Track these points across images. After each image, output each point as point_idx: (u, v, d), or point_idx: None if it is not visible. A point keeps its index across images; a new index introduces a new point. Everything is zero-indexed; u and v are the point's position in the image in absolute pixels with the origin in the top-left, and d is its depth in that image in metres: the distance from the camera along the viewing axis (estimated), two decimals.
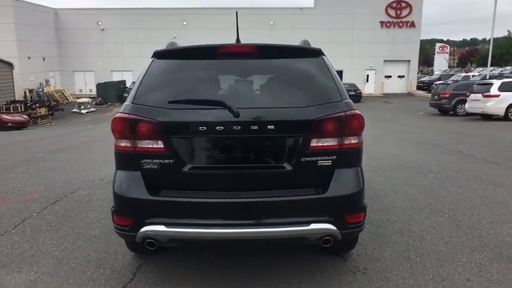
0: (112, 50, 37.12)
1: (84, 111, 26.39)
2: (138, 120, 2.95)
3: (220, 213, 2.92)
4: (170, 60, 3.27)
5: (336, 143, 3.01)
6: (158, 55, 3.28)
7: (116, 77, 36.16)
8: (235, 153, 3.00)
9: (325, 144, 3.00)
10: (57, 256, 3.92)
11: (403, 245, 4.13)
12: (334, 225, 2.95)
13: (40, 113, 22.72)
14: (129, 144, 3.00)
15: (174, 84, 3.13)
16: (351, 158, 3.10)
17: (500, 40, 63.46)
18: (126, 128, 2.97)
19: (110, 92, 31.23)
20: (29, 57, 32.53)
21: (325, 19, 37.02)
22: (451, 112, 20.54)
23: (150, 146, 2.97)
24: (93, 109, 27.73)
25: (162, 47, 3.49)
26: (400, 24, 37.92)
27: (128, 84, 32.56)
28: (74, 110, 26.87)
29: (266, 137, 2.97)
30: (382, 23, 37.90)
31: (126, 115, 2.98)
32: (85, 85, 38.26)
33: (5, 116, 20.11)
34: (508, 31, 67.85)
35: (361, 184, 3.08)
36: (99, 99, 30.93)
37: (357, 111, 3.07)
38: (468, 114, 18.93)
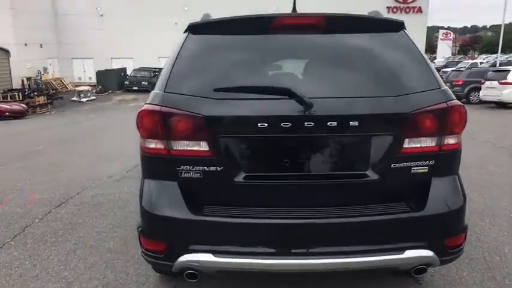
0: (111, 37, 36.03)
1: (84, 100, 25.53)
2: (175, 114, 2.23)
3: (286, 239, 2.21)
4: (210, 36, 2.53)
5: (434, 144, 2.30)
6: (194, 29, 2.53)
7: (116, 65, 35.10)
8: (304, 157, 2.28)
9: (421, 145, 2.29)
10: (66, 278, 3.22)
11: (481, 261, 3.44)
12: (432, 251, 2.27)
13: (39, 101, 21.86)
14: (161, 146, 2.28)
15: (218, 67, 2.39)
16: (450, 163, 2.40)
17: (506, 27, 62.62)
18: (157, 124, 2.25)
19: (110, 80, 30.26)
20: (25, 44, 31.48)
21: (329, 2, 36.00)
22: (464, 100, 19.77)
23: (191, 149, 2.25)
24: (94, 97, 26.86)
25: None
26: (407, 10, 36.85)
27: (128, 72, 31.59)
28: (73, 99, 26.00)
29: (346, 136, 2.25)
30: (388, 8, 36.80)
31: (158, 107, 2.25)
32: (84, 73, 37.25)
33: (2, 105, 19.27)
34: None
35: (463, 197, 2.38)
36: (99, 87, 29.99)
37: (459, 102, 2.35)
38: (482, 102, 18.17)
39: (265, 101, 2.21)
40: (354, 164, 2.31)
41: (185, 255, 2.21)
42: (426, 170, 2.32)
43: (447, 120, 2.29)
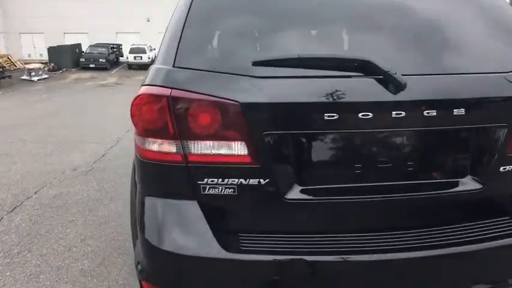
0: (64, 9, 33.38)
1: (35, 79, 23.45)
2: (193, 100, 1.45)
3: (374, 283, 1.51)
4: None
5: None
6: None
7: (69, 41, 32.60)
8: (387, 162, 1.56)
9: None
10: None
11: None
12: None
13: None
14: (173, 149, 1.50)
15: (257, 28, 1.62)
16: None
17: None
18: (166, 115, 1.47)
19: (64, 57, 27.96)
20: None
21: None
22: None
23: (220, 153, 1.49)
24: (46, 76, 24.77)
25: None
26: None
27: (83, 48, 29.41)
28: (23, 77, 23.87)
29: (446, 130, 1.56)
30: None
31: (166, 90, 1.46)
32: (34, 49, 34.51)
33: None
34: None
35: None
36: (52, 65, 27.74)
37: None
38: None
39: (334, 80, 1.46)
40: (448, 168, 1.63)
41: None
42: None
43: None
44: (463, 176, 1.62)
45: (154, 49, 28.46)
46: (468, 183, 1.61)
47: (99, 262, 3.01)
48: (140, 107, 1.50)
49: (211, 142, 1.48)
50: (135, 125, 1.55)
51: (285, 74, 1.46)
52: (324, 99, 1.44)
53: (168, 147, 1.50)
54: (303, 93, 1.45)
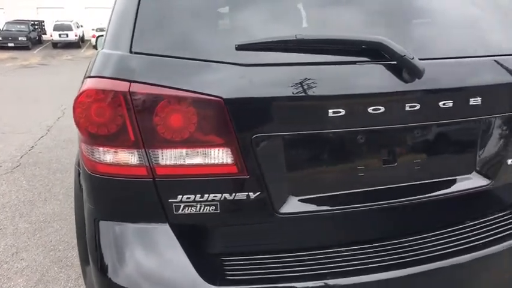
0: None
1: None
2: (160, 96, 1.11)
3: None
4: None
5: None
6: None
7: None
8: (391, 161, 1.33)
9: None
10: None
11: None
12: None
13: None
14: (134, 161, 1.16)
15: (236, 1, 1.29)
16: None
17: None
18: (122, 117, 1.12)
19: None
20: None
21: None
22: None
23: (197, 163, 1.17)
24: None
25: None
26: None
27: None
28: None
29: (459, 123, 1.36)
30: None
31: (122, 83, 1.11)
32: None
33: None
34: None
35: None
36: None
37: None
38: None
39: (339, 66, 1.19)
40: (455, 163, 1.45)
41: None
42: None
43: None
44: (469, 172, 1.45)
45: (82, 26, 26.45)
46: (475, 180, 1.45)
47: (37, 279, 2.57)
48: (87, 106, 1.13)
49: (185, 150, 1.16)
50: (80, 130, 1.18)
51: (280, 60, 1.17)
52: (327, 92, 1.17)
53: (128, 157, 1.16)
54: (301, 84, 1.16)
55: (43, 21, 28.65)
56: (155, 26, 1.19)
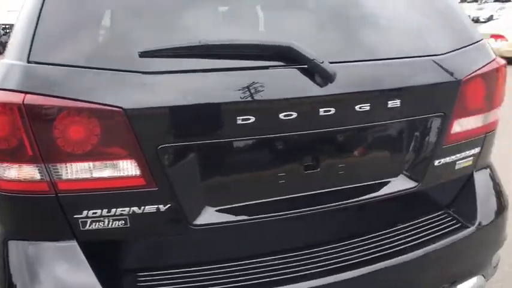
0: None
1: None
2: (58, 108, 1.06)
3: None
4: None
5: (481, 123, 1.55)
6: None
7: None
8: (314, 167, 1.30)
9: (472, 127, 1.52)
10: None
11: None
12: (484, 277, 1.62)
13: None
14: (35, 176, 1.10)
15: (139, 5, 1.23)
16: (490, 148, 1.70)
17: None
18: (19, 131, 1.06)
19: None
20: None
21: None
22: None
23: (101, 176, 1.12)
24: None
25: None
26: None
27: None
28: None
29: (380, 125, 1.35)
30: None
31: (17, 96, 1.05)
32: None
33: None
34: None
35: (505, 194, 1.73)
36: None
37: (502, 59, 1.62)
38: None
39: (247, 72, 1.16)
40: (382, 167, 1.43)
41: None
42: (470, 163, 1.58)
43: (496, 86, 1.55)
44: (397, 175, 1.44)
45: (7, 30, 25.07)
46: (403, 182, 1.44)
47: None
48: None
49: (88, 163, 1.10)
50: None
51: (184, 67, 1.13)
52: (235, 99, 1.13)
53: (28, 173, 1.10)
54: (207, 91, 1.13)
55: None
56: (54, 34, 1.13)
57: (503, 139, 2.80)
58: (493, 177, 1.72)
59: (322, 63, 1.14)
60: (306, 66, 1.15)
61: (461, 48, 1.47)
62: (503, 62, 1.59)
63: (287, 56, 1.15)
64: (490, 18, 25.29)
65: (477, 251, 1.56)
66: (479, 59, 1.50)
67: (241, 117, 1.12)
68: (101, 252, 1.18)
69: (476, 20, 30.56)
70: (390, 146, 1.43)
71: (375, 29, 1.41)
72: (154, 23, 1.20)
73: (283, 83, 1.16)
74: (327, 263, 1.30)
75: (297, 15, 1.36)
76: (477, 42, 1.54)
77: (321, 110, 1.18)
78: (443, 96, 1.40)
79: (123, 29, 1.19)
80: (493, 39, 13.30)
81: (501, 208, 1.65)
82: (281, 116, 1.15)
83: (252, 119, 1.13)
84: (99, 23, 1.17)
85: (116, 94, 1.08)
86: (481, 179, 1.63)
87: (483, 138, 1.57)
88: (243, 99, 1.13)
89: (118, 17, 1.20)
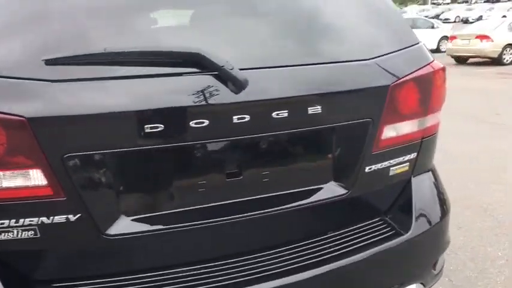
0: None
1: None
2: None
3: None
4: None
5: (417, 128, 1.53)
6: None
7: None
8: (236, 175, 1.29)
9: (404, 132, 1.50)
10: None
11: None
12: (423, 285, 1.60)
13: None
14: None
15: (52, 13, 1.20)
16: (430, 152, 1.68)
17: None
18: None
19: None
20: None
21: None
22: None
23: (7, 186, 1.09)
24: None
25: None
26: None
27: None
28: None
29: (302, 133, 1.33)
30: None
31: None
32: None
33: None
34: None
35: (447, 199, 1.72)
36: None
37: (439, 62, 1.61)
38: None
39: (156, 79, 1.14)
40: (308, 174, 1.41)
41: None
42: (407, 168, 1.56)
43: (432, 90, 1.53)
44: (326, 182, 1.42)
45: None
46: (332, 189, 1.42)
47: None
48: None
49: None
50: None
51: (90, 75, 1.10)
52: (143, 107, 1.11)
53: None
54: (114, 99, 1.11)
55: None
56: None
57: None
58: (435, 181, 1.70)
59: (231, 69, 1.12)
60: (217, 73, 1.14)
61: (393, 52, 1.45)
62: (440, 65, 1.57)
63: (197, 62, 1.13)
64: (480, 19, 25.59)
65: (413, 258, 1.55)
66: (413, 63, 1.48)
67: (149, 126, 1.10)
68: (15, 262, 1.16)
69: (465, 21, 30.93)
70: (316, 153, 1.41)
71: (298, 33, 1.39)
72: (65, 29, 1.17)
73: (194, 90, 1.14)
74: (249, 272, 1.28)
75: (220, 22, 1.34)
76: (412, 46, 1.53)
77: (234, 117, 1.16)
78: (370, 102, 1.39)
79: (29, 35, 1.16)
80: (478, 40, 13.49)
81: (441, 213, 1.64)
82: (192, 123, 1.13)
83: (161, 127, 1.11)
84: (4, 28, 1.14)
85: (19, 103, 1.05)
86: (419, 184, 1.62)
87: (419, 143, 1.56)
88: (150, 107, 1.11)
89: (21, 22, 1.17)
